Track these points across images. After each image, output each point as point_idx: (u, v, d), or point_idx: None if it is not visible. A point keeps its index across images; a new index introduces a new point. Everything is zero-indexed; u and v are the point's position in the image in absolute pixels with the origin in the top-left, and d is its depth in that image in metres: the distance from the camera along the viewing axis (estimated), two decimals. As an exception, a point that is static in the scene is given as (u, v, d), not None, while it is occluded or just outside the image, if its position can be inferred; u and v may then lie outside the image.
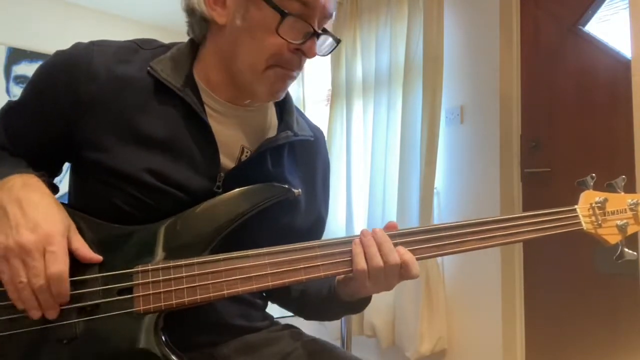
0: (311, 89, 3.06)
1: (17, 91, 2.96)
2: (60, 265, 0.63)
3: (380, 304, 2.35)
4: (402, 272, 0.72)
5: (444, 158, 2.31)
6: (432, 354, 2.24)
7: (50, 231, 0.64)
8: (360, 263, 0.72)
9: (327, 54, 0.82)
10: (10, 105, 0.80)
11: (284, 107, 0.88)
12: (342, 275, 0.78)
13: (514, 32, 2.20)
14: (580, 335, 1.97)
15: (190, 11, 0.78)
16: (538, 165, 2.11)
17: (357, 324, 2.45)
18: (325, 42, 0.80)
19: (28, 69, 2.98)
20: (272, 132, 0.85)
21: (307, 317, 0.93)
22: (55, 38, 3.04)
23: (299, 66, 0.77)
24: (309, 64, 0.83)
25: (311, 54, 0.75)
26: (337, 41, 0.80)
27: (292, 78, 0.78)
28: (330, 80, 2.77)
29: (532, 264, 2.13)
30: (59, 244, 0.64)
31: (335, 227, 2.64)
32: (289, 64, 0.75)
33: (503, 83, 2.14)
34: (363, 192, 2.54)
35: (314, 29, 0.74)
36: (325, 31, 0.78)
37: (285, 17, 0.71)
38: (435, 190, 2.25)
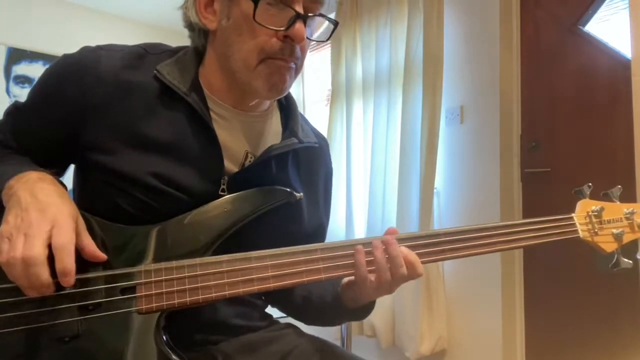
0: (311, 89, 3.06)
1: (17, 91, 2.96)
2: (64, 237, 0.62)
3: (380, 304, 2.34)
4: (409, 272, 0.72)
5: (444, 158, 2.31)
6: (432, 354, 2.24)
7: (60, 213, 0.64)
8: (363, 273, 0.72)
9: (327, 39, 0.81)
10: (16, 107, 0.80)
11: (289, 114, 0.88)
12: (346, 281, 0.79)
13: (514, 32, 2.20)
14: (580, 335, 1.97)
15: (190, 26, 0.80)
16: (538, 165, 2.11)
17: (357, 323, 2.45)
18: (321, 27, 0.80)
19: (28, 69, 2.99)
20: (277, 139, 0.85)
21: (308, 322, 0.93)
22: (55, 38, 3.04)
23: (292, 54, 0.75)
24: (309, 64, 0.81)
25: (299, 37, 0.73)
26: (335, 24, 0.79)
27: (289, 69, 0.76)
28: (330, 80, 2.77)
29: (532, 264, 2.13)
30: (66, 222, 0.64)
31: (335, 227, 2.64)
32: (280, 53, 0.74)
33: (503, 83, 2.14)
34: (363, 192, 2.54)
35: (296, 12, 0.72)
36: (321, 15, 0.77)
37: (259, 2, 0.70)
38: (435, 190, 2.25)
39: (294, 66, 0.77)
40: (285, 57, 0.74)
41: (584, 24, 2.01)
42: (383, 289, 0.73)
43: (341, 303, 0.81)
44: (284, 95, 0.81)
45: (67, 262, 0.61)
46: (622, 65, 1.86)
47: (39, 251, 0.60)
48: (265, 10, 0.71)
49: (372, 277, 0.73)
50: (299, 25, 0.72)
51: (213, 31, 0.77)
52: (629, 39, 1.65)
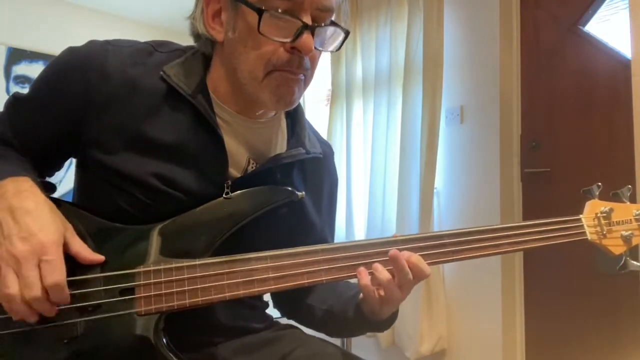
0: (311, 89, 3.05)
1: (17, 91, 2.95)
2: (56, 275, 0.62)
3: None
4: (416, 277, 0.72)
5: (444, 158, 2.31)
6: (432, 354, 2.24)
7: (45, 241, 0.62)
8: (371, 293, 0.72)
9: (337, 49, 0.77)
10: (17, 98, 0.78)
11: (296, 121, 0.86)
12: (362, 297, 0.77)
13: (514, 32, 2.20)
14: (580, 335, 1.97)
15: (197, 36, 0.78)
16: (538, 165, 2.11)
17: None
18: (331, 37, 0.76)
19: (28, 69, 2.98)
20: (282, 147, 0.84)
21: (331, 334, 0.92)
22: (55, 38, 3.03)
23: (300, 66, 0.72)
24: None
25: (306, 49, 0.69)
26: (346, 33, 0.75)
27: (298, 81, 0.73)
28: (330, 80, 2.77)
29: (532, 263, 2.13)
30: (55, 253, 0.62)
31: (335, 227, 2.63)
32: (287, 65, 0.71)
33: (503, 83, 2.14)
34: (363, 192, 2.54)
35: (304, 23, 0.69)
36: (331, 23, 0.74)
37: (263, 14, 0.68)
38: (435, 190, 2.25)
39: (302, 77, 0.74)
40: (293, 69, 0.72)
41: (584, 24, 2.01)
42: (395, 301, 0.73)
43: (364, 317, 0.79)
44: (293, 107, 0.78)
45: (63, 297, 0.63)
46: (622, 65, 1.86)
47: (37, 293, 0.61)
48: (270, 21, 0.68)
49: (381, 292, 0.72)
50: (306, 36, 0.69)
51: (220, 43, 0.75)
52: (629, 39, 1.65)
